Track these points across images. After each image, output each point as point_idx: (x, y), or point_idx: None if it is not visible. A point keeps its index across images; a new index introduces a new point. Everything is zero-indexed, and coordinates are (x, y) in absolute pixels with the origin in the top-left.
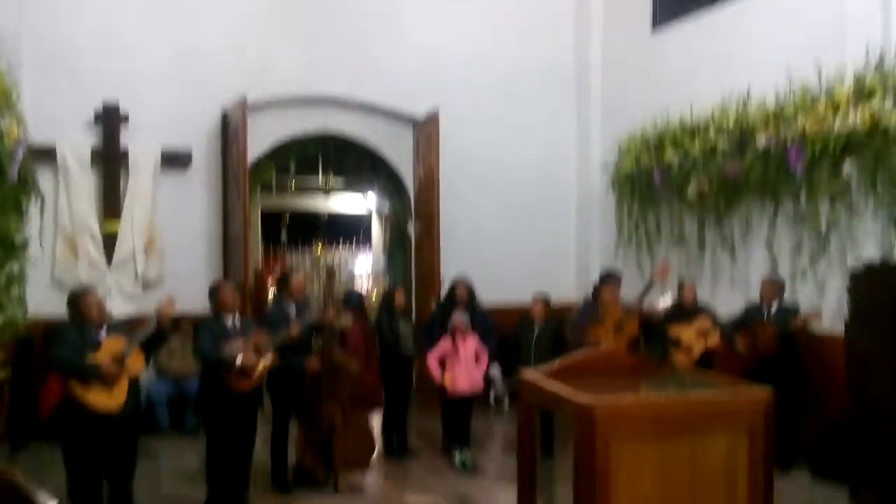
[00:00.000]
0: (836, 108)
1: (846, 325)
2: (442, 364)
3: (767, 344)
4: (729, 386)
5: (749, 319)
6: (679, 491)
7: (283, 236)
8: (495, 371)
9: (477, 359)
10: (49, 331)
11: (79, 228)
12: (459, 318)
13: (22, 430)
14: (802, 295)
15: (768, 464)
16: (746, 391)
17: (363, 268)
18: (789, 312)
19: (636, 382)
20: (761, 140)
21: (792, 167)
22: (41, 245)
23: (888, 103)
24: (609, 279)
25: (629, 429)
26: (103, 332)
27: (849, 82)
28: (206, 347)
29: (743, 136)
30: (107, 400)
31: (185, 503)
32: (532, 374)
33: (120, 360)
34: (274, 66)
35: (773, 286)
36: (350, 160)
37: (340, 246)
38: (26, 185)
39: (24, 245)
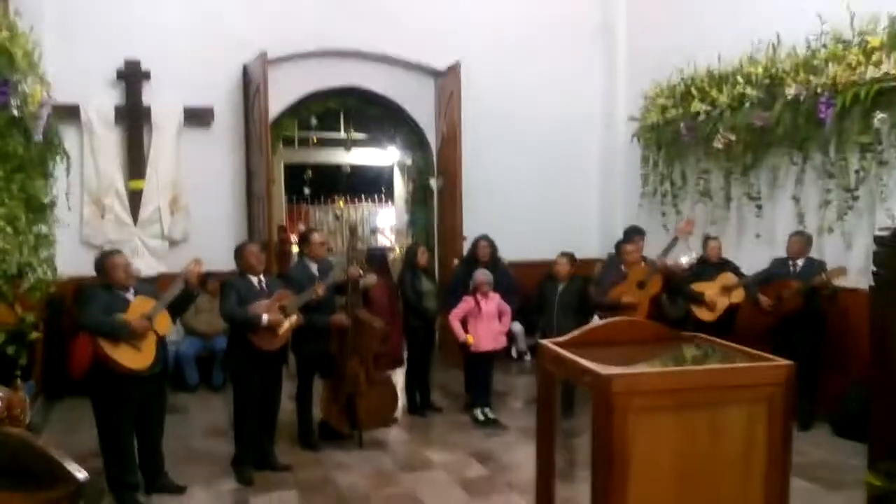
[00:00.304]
0: (868, 55)
1: (870, 290)
2: (464, 322)
3: (792, 300)
4: (750, 357)
5: (775, 275)
6: (697, 463)
7: (306, 191)
8: (517, 327)
9: (499, 316)
10: (79, 290)
11: (104, 187)
12: (482, 276)
13: (55, 387)
14: (829, 250)
15: (787, 436)
16: (767, 365)
17: (386, 222)
18: (815, 268)
19: (658, 351)
20: (790, 89)
21: (822, 118)
22: (68, 205)
23: None
24: (632, 235)
25: (647, 400)
26: (131, 293)
27: (882, 28)
28: (232, 308)
29: (772, 85)
30: (136, 359)
31: (214, 458)
32: (551, 343)
33: (148, 320)
34: (294, 20)
35: (800, 241)
36: (371, 114)
37: (363, 200)
38: (52, 145)
39: (52, 205)
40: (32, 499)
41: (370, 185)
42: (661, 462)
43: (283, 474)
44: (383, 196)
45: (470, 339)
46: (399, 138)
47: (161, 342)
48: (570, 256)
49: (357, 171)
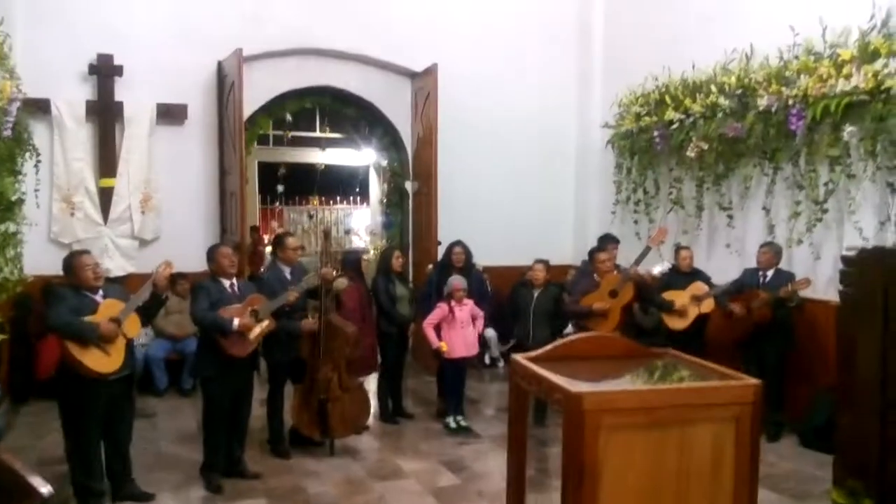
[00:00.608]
0: (839, 68)
1: (837, 309)
2: (438, 328)
3: (760, 311)
4: (720, 375)
5: (745, 285)
6: (666, 479)
7: (280, 190)
8: (490, 333)
9: (473, 322)
10: (46, 290)
11: (74, 185)
12: (457, 283)
13: (21, 390)
14: (798, 261)
15: (755, 453)
16: (736, 384)
17: (361, 223)
18: (784, 279)
19: (629, 367)
20: (762, 100)
21: (792, 129)
22: (37, 202)
23: (893, 65)
24: (606, 243)
25: (617, 418)
26: (100, 295)
27: (853, 42)
28: (203, 312)
29: (744, 95)
30: (104, 362)
31: (182, 465)
32: (523, 358)
33: (117, 322)
34: (270, 18)
35: (770, 252)
36: (347, 114)
37: (338, 201)
38: (21, 141)
39: (20, 203)
40: None
41: (345, 185)
42: (631, 478)
43: (252, 482)
44: (358, 197)
45: (444, 346)
46: (375, 139)
47: (129, 345)
48: (545, 263)
49: (332, 171)
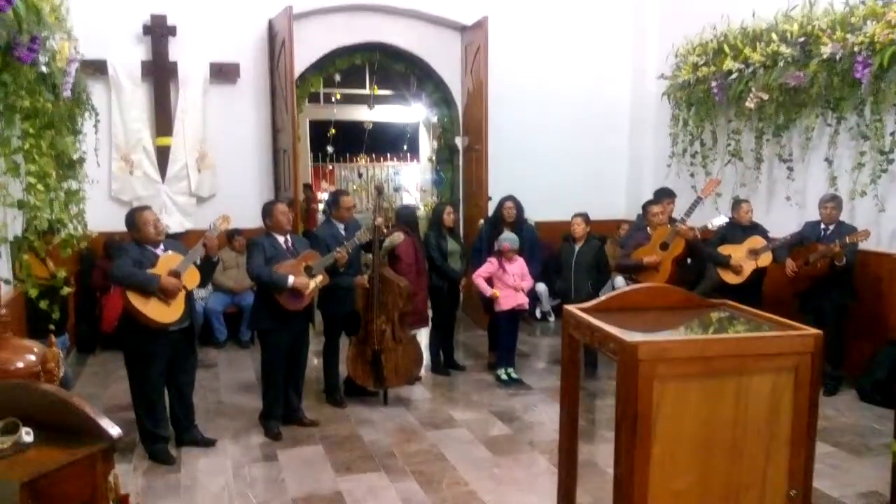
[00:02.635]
0: None
1: None
2: (489, 282)
3: (818, 264)
4: (777, 325)
5: (806, 238)
6: (722, 430)
7: (330, 149)
8: (541, 288)
9: (523, 277)
10: (109, 244)
11: (132, 144)
12: (507, 244)
13: (87, 341)
14: (861, 213)
15: (813, 405)
16: (794, 334)
17: (411, 179)
18: (847, 232)
19: (684, 318)
20: (826, 48)
21: (858, 77)
22: (97, 161)
23: None
24: (661, 197)
25: (672, 368)
26: (160, 249)
27: None
28: (259, 268)
29: (807, 43)
30: (165, 313)
31: (242, 413)
32: (576, 308)
33: (176, 275)
34: None
35: (831, 205)
36: (397, 70)
37: (387, 158)
38: (80, 101)
39: (81, 162)
40: (68, 454)
41: (395, 142)
42: (686, 429)
43: (309, 429)
44: (408, 154)
45: (496, 293)
46: (424, 95)
47: (189, 297)
48: (584, 216)
49: (381, 128)
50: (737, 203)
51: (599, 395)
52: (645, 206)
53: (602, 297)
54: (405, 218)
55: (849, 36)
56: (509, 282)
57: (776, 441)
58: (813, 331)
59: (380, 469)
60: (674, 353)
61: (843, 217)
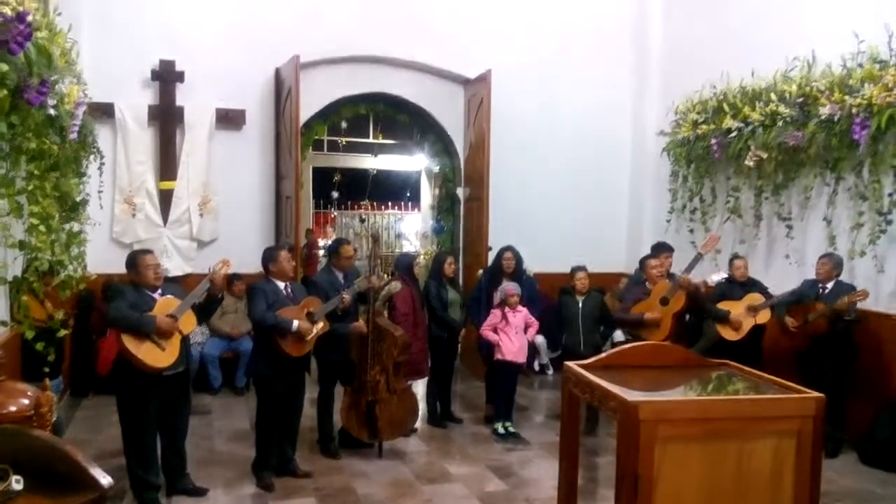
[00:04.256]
0: None
1: None
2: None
3: (817, 323)
4: (779, 387)
5: (804, 296)
6: (723, 493)
7: (334, 195)
8: (540, 340)
9: (525, 329)
10: (107, 286)
11: (136, 187)
12: (512, 289)
13: (82, 384)
14: (861, 273)
15: (816, 469)
16: (797, 397)
17: (411, 228)
18: (844, 291)
19: (685, 378)
20: (825, 109)
21: (856, 139)
22: (100, 203)
23: None
24: (658, 251)
25: (674, 429)
26: (158, 293)
27: None
28: (263, 313)
29: (805, 103)
30: (159, 357)
31: (235, 462)
32: (576, 366)
33: (173, 318)
34: (327, 25)
35: (829, 264)
36: (400, 120)
37: (389, 206)
38: (86, 143)
39: (84, 203)
40: (57, 503)
41: (397, 190)
42: (687, 491)
43: (303, 481)
44: (409, 202)
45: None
46: (427, 145)
47: (185, 341)
48: (585, 270)
49: (384, 176)
50: (733, 259)
51: (599, 452)
52: (643, 261)
53: (603, 355)
54: (404, 267)
55: (847, 98)
56: (512, 333)
57: None
58: (815, 394)
59: None
60: (675, 413)
61: (843, 277)
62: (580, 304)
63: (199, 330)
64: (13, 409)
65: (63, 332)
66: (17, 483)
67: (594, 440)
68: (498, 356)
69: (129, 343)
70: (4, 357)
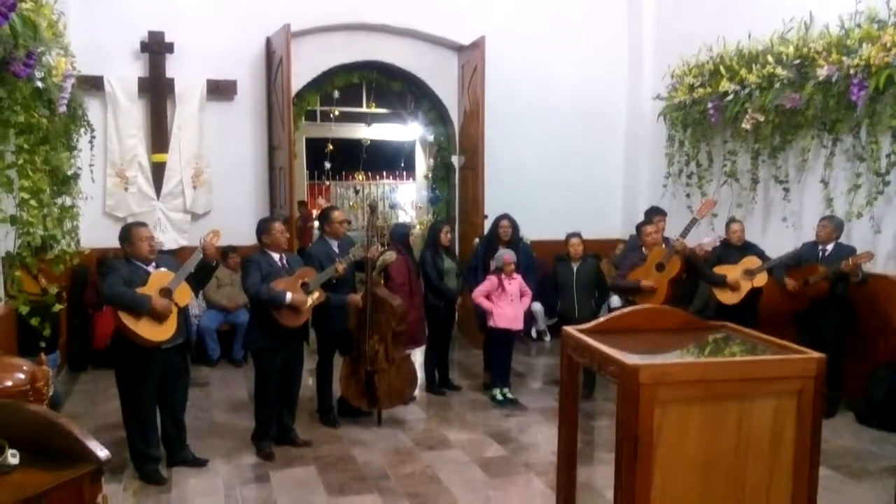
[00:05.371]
0: None
1: None
2: (487, 298)
3: (818, 285)
4: (779, 348)
5: (804, 259)
6: (724, 454)
7: (327, 166)
8: (537, 307)
9: (522, 295)
10: (101, 262)
11: (128, 160)
12: (509, 256)
13: (79, 358)
14: (858, 235)
15: (816, 429)
16: (798, 357)
17: (406, 198)
18: (845, 253)
19: (684, 341)
20: (822, 70)
21: (854, 100)
22: (92, 177)
23: None
24: (652, 216)
25: (674, 391)
26: (152, 266)
27: None
28: (257, 285)
29: (803, 65)
30: (157, 331)
31: (235, 432)
32: (575, 330)
33: (167, 293)
34: None
35: (830, 226)
36: (394, 89)
37: (384, 176)
38: (75, 117)
39: (76, 177)
40: (55, 476)
41: (391, 160)
42: (687, 453)
43: (302, 449)
44: (404, 172)
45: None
46: (421, 113)
47: (183, 313)
48: (579, 236)
49: (378, 146)
50: (729, 223)
51: (596, 417)
52: (638, 227)
53: (601, 319)
54: (399, 237)
55: (844, 58)
56: (507, 300)
57: (779, 467)
58: (816, 354)
59: (373, 491)
60: (675, 376)
61: (842, 240)
62: (575, 271)
63: (197, 303)
64: (9, 383)
65: (58, 307)
66: (13, 457)
67: (591, 404)
68: (490, 324)
69: (126, 318)
70: None
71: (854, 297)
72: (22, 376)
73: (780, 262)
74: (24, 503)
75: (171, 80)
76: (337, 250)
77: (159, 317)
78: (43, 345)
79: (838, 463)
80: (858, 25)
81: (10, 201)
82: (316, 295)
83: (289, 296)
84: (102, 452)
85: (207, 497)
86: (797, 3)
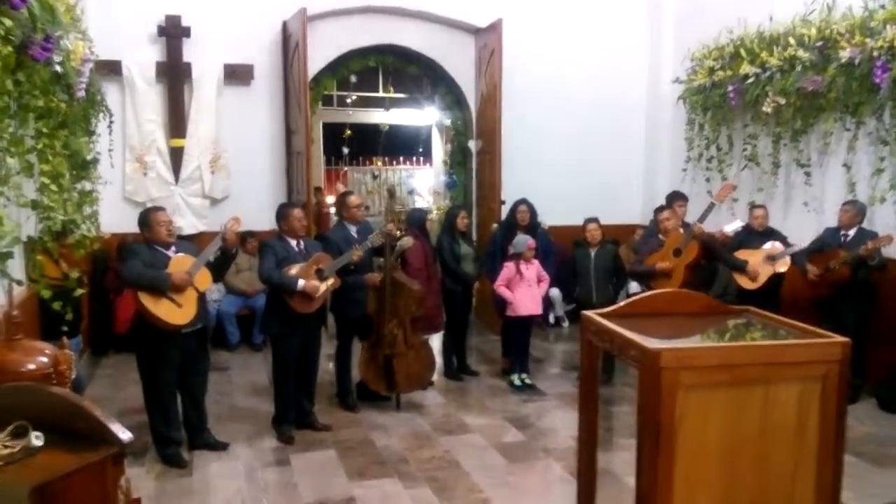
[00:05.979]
0: None
1: None
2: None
3: (839, 270)
4: (803, 333)
5: (826, 244)
6: (747, 440)
7: (345, 151)
8: (555, 293)
9: (540, 280)
10: (122, 246)
11: (146, 145)
12: (529, 242)
13: (101, 342)
14: (880, 219)
15: (841, 414)
16: (822, 342)
17: (424, 183)
18: (868, 238)
19: (705, 325)
20: (845, 52)
21: (877, 82)
22: (111, 162)
23: None
24: (671, 201)
25: (696, 376)
26: (172, 251)
27: None
28: (270, 270)
29: (825, 47)
30: (177, 315)
31: (255, 416)
32: (595, 314)
33: (188, 275)
34: None
35: (853, 210)
36: (410, 73)
37: (401, 161)
38: (94, 102)
39: (95, 162)
40: (78, 458)
41: (408, 145)
42: (710, 438)
43: (322, 433)
44: (421, 157)
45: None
46: (438, 98)
47: (201, 298)
48: (597, 221)
49: (395, 131)
50: (752, 208)
51: (615, 402)
52: (657, 212)
53: (621, 303)
54: (415, 222)
55: (868, 40)
56: (525, 286)
57: (804, 453)
58: (841, 339)
59: (393, 475)
60: (698, 360)
61: (864, 224)
62: (592, 256)
63: (216, 287)
64: (32, 367)
65: (80, 292)
66: (37, 439)
67: (610, 389)
68: (510, 313)
69: (147, 301)
70: (21, 316)
71: (877, 283)
72: (45, 360)
73: (802, 248)
74: (47, 485)
75: (189, 65)
76: (356, 235)
77: (178, 289)
78: (65, 329)
79: (861, 450)
80: (882, 6)
81: (30, 186)
82: (330, 282)
83: (301, 283)
84: (125, 435)
85: (228, 480)
86: None
